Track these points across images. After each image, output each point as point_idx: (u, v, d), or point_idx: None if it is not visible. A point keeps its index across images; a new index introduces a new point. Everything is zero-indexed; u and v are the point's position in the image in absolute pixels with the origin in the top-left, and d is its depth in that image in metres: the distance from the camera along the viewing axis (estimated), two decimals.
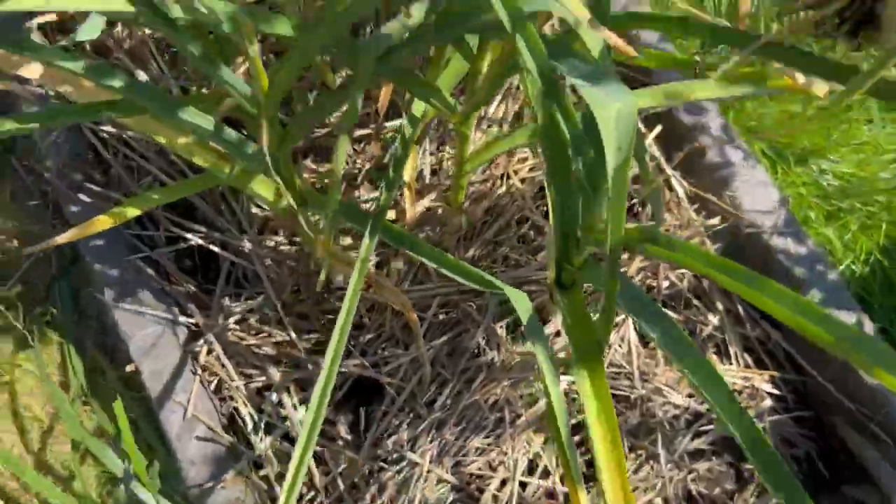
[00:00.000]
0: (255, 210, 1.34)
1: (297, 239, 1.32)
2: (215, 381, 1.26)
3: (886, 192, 1.55)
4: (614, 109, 0.60)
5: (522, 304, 0.86)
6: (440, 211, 1.28)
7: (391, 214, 1.28)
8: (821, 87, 0.92)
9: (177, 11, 0.69)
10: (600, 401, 0.86)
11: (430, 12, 0.67)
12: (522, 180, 1.40)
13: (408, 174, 1.16)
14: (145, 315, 1.24)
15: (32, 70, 0.94)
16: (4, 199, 1.55)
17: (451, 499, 1.20)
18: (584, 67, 0.62)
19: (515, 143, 1.03)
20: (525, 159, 1.41)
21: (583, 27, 0.58)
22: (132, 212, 1.06)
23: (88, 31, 0.92)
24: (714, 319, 1.33)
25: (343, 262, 1.19)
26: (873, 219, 1.54)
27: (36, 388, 1.50)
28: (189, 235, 1.29)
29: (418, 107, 1.04)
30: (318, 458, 1.22)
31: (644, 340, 1.31)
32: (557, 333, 1.28)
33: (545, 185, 1.27)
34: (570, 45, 0.65)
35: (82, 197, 1.30)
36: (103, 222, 1.04)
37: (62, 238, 1.02)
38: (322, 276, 1.18)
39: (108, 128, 1.33)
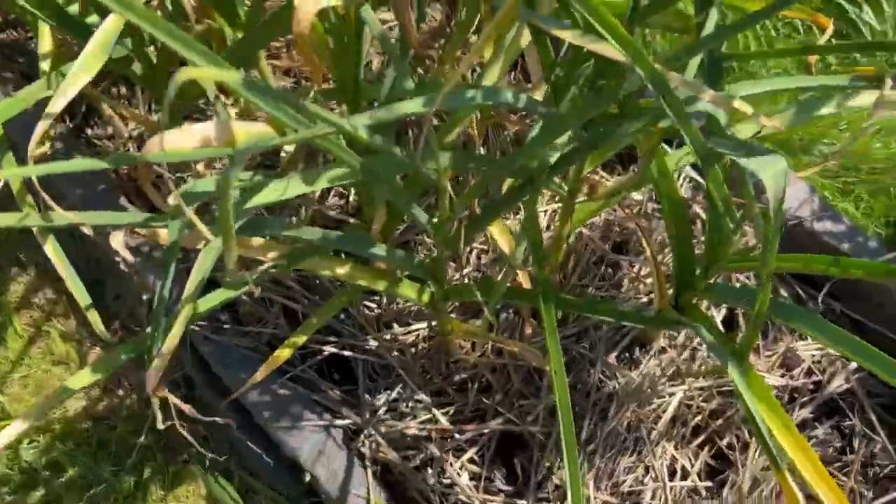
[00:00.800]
0: (366, 311, 1.50)
1: (414, 327, 1.48)
2: (380, 468, 1.40)
3: (883, 159, 1.78)
4: (772, 172, 0.78)
5: (708, 337, 1.04)
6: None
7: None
8: None
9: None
10: (761, 394, 1.03)
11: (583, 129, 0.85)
12: (585, 225, 1.58)
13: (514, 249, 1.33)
14: (305, 428, 1.38)
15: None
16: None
17: None
18: (732, 143, 0.80)
19: (618, 199, 1.20)
20: None
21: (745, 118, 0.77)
22: (301, 339, 1.21)
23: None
24: None
25: (475, 335, 1.35)
26: (879, 184, 1.75)
27: None
28: (325, 347, 1.44)
29: None
30: None
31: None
32: (662, 350, 1.46)
33: (637, 230, 1.46)
34: (717, 128, 0.83)
35: (216, 337, 1.43)
36: (283, 355, 1.18)
37: (254, 379, 1.16)
38: (468, 349, 1.34)
39: None
